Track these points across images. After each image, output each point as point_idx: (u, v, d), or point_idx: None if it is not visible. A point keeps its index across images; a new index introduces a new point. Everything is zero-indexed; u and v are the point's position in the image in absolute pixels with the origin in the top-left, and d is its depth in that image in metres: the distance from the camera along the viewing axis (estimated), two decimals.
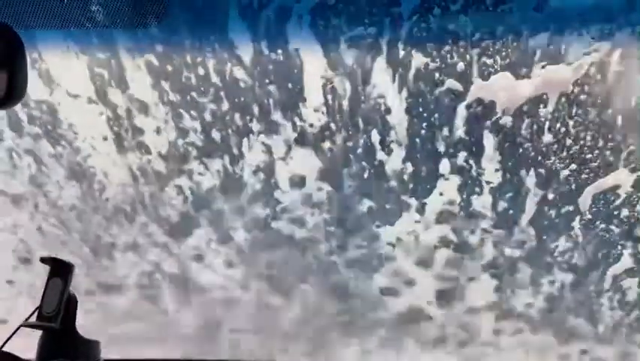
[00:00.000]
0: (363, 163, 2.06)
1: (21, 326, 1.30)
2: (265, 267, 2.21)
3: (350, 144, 2.04)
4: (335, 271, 2.19)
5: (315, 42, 1.91)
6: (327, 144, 2.05)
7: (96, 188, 2.17)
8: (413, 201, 2.08)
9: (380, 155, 2.04)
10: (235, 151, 2.09)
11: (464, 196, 2.05)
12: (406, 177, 2.06)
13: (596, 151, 1.94)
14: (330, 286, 2.20)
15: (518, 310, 2.14)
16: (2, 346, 1.29)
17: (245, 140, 2.07)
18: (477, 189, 2.03)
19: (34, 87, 2.03)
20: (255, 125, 2.05)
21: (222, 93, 2.01)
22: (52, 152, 2.13)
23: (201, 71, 1.98)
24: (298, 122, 2.03)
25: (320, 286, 2.20)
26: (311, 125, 2.03)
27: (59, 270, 1.33)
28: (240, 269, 2.21)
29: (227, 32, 1.92)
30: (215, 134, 2.07)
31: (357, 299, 2.21)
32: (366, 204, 2.11)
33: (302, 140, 2.05)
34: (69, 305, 1.32)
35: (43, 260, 1.36)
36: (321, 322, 2.23)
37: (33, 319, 1.31)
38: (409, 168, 2.05)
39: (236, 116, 2.04)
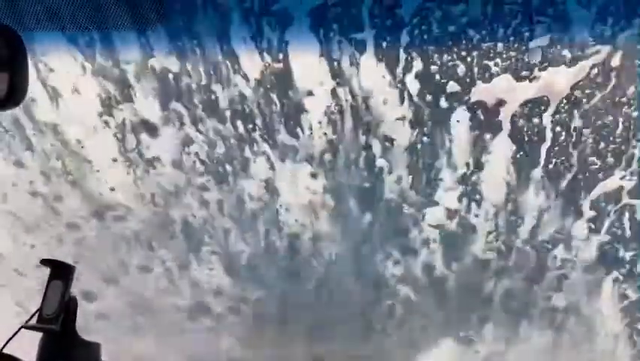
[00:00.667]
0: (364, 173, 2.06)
1: (21, 327, 1.30)
2: None
3: (352, 153, 2.04)
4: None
5: (316, 47, 1.91)
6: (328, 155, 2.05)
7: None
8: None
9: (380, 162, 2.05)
10: (237, 163, 2.09)
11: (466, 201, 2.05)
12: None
13: (597, 153, 1.94)
14: None
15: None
16: (3, 348, 1.29)
17: (246, 148, 2.07)
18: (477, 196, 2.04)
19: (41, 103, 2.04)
20: (256, 134, 2.04)
21: (222, 101, 2.00)
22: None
23: (202, 77, 1.98)
24: (299, 132, 2.03)
25: None
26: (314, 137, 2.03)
27: (60, 272, 1.32)
28: None
29: (229, 37, 1.93)
30: (219, 144, 2.07)
31: None
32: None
33: (303, 150, 2.06)
34: (69, 307, 1.31)
35: (43, 262, 1.35)
36: None
37: (34, 321, 1.30)
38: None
39: (238, 123, 2.03)
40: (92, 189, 2.14)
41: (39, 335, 1.35)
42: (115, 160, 2.10)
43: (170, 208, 2.14)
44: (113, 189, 2.14)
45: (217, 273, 2.20)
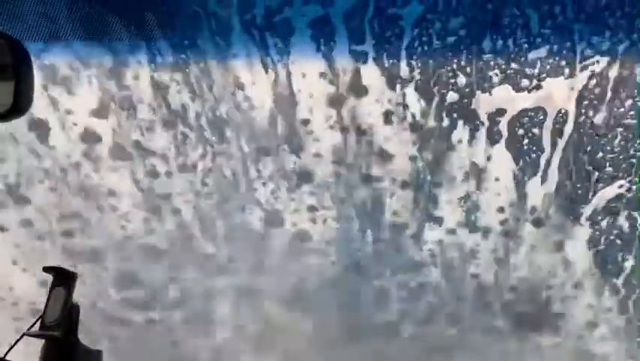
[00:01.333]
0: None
1: (23, 335, 1.30)
2: None
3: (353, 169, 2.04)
4: None
5: (318, 58, 1.92)
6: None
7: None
8: None
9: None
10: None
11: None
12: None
13: (596, 163, 1.95)
14: None
15: None
16: (5, 355, 1.29)
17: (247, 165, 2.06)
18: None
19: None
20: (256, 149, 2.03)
21: (222, 115, 2.00)
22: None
23: (203, 90, 1.98)
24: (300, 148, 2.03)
25: None
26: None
27: (63, 279, 1.33)
28: None
29: (230, 48, 1.93)
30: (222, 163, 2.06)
31: None
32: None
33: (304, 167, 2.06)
34: (72, 314, 1.32)
35: (46, 270, 1.36)
36: None
37: (36, 328, 1.31)
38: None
39: (239, 136, 2.03)
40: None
41: (41, 342, 1.36)
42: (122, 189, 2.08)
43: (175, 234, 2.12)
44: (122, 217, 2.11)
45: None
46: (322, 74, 1.92)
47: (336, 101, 1.96)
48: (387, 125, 1.98)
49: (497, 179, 2.01)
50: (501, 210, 2.04)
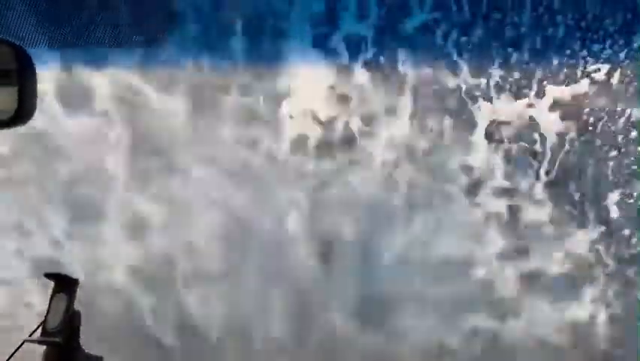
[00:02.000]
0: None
1: (25, 341, 1.30)
2: None
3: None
4: None
5: (319, 68, 1.92)
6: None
7: None
8: None
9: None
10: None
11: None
12: None
13: (597, 172, 1.95)
14: None
15: None
16: None
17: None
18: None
19: None
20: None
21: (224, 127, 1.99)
22: None
23: (203, 101, 1.97)
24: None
25: None
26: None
27: (64, 285, 1.33)
28: None
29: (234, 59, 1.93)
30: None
31: None
32: None
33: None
34: (73, 320, 1.31)
35: (47, 276, 1.36)
36: None
37: (37, 335, 1.31)
38: None
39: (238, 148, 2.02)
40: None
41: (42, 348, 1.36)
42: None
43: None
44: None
45: None
46: (323, 82, 1.92)
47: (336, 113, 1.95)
48: None
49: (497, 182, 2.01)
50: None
